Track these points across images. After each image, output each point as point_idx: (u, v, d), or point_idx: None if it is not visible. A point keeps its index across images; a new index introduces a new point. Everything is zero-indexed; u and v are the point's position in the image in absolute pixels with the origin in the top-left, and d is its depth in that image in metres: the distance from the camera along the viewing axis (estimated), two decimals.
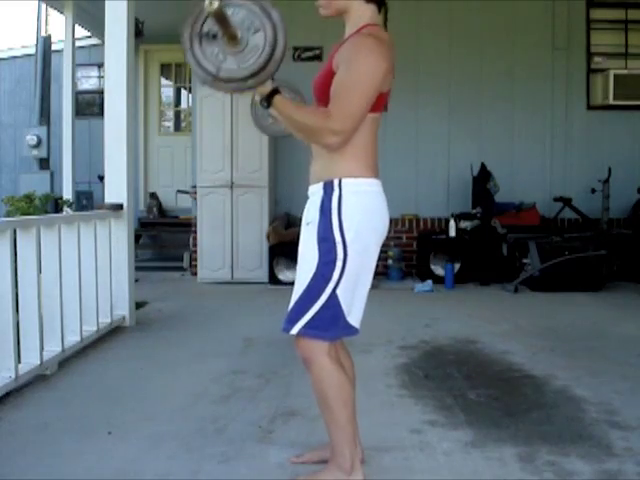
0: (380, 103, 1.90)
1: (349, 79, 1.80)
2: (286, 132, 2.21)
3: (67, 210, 6.10)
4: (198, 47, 1.71)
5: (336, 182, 1.88)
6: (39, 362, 3.08)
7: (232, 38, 1.69)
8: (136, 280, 4.71)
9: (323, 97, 1.89)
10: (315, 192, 1.94)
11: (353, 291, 1.91)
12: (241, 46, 1.70)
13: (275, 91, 1.80)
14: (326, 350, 1.89)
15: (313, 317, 1.86)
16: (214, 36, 1.70)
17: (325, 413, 1.95)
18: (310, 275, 1.86)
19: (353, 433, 1.97)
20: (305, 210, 2.00)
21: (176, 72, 8.76)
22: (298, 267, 1.96)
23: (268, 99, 1.80)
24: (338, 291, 1.86)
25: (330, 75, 1.86)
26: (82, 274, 3.64)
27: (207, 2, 1.56)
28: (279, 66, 1.72)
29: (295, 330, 1.87)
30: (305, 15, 6.41)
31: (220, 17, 1.62)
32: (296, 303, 1.90)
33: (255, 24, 1.70)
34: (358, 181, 1.89)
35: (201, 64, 1.72)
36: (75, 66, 6.98)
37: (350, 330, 1.97)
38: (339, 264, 1.84)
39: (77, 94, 7.77)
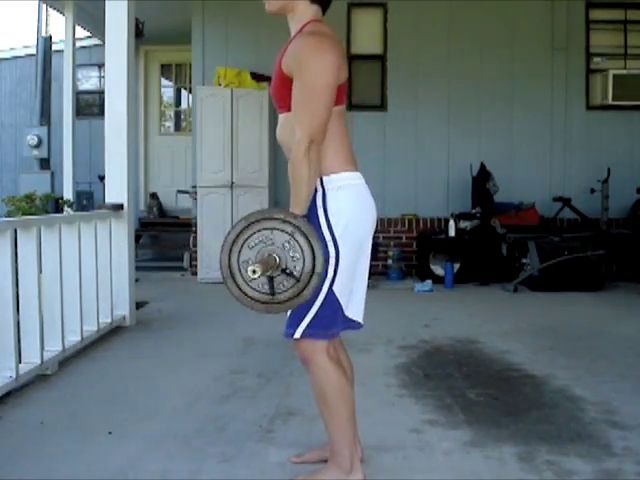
0: (340, 94, 1.89)
1: (303, 89, 1.80)
2: None
3: (67, 210, 6.10)
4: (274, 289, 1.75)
5: (317, 181, 1.88)
6: (40, 362, 3.09)
7: (276, 267, 1.73)
8: (136, 280, 4.71)
9: (283, 105, 1.90)
10: None
11: (350, 285, 1.92)
12: (281, 266, 1.73)
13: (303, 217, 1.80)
14: (325, 349, 1.90)
15: (314, 317, 1.86)
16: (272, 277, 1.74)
17: (324, 412, 1.96)
18: None
19: (352, 432, 1.97)
20: None
21: (176, 72, 8.77)
22: None
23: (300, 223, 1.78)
24: (334, 287, 1.87)
25: (283, 80, 1.86)
26: (82, 274, 3.65)
27: (250, 273, 1.62)
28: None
29: (298, 333, 1.87)
30: None
31: (267, 268, 1.69)
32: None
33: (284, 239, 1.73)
34: (339, 176, 1.89)
35: (301, 295, 1.75)
36: (75, 66, 6.98)
37: (351, 324, 1.97)
38: (332, 262, 1.85)
39: (77, 94, 7.78)
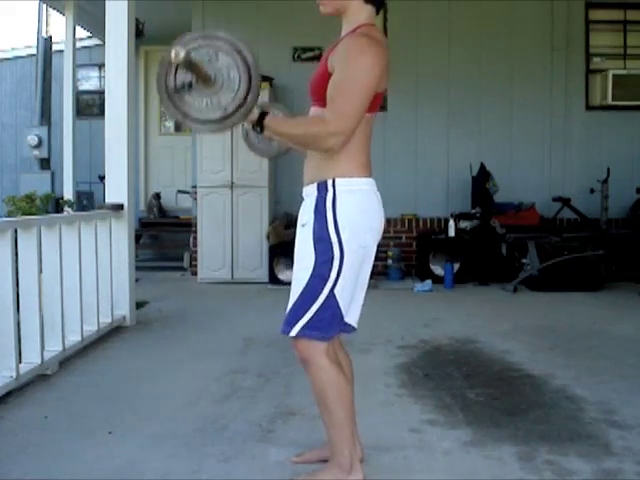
0: (375, 103, 1.90)
1: (345, 80, 1.80)
2: (283, 149, 2.25)
3: (68, 210, 6.10)
4: (193, 110, 1.70)
5: (330, 182, 1.88)
6: (40, 362, 3.09)
7: (206, 80, 1.68)
8: (136, 280, 4.72)
9: (319, 98, 1.89)
10: (309, 193, 1.94)
11: (351, 290, 1.92)
12: (218, 82, 1.69)
13: (263, 114, 1.82)
14: (324, 350, 1.90)
15: (312, 318, 1.86)
16: (190, 85, 1.69)
17: (324, 413, 1.96)
18: (307, 275, 1.86)
19: (352, 432, 1.98)
20: (300, 212, 2.00)
21: None
22: (295, 268, 1.96)
23: (260, 123, 1.82)
24: (336, 291, 1.86)
25: (325, 76, 1.86)
26: (83, 274, 3.65)
27: (172, 55, 1.56)
28: (260, 81, 1.72)
29: (294, 332, 1.87)
30: (304, 15, 6.43)
31: (189, 64, 1.62)
32: (294, 304, 1.89)
33: (210, 53, 1.69)
34: (352, 180, 1.90)
35: (208, 119, 1.70)
36: (76, 67, 6.99)
37: (346, 328, 1.98)
38: (336, 263, 1.84)
39: (78, 94, 7.79)
